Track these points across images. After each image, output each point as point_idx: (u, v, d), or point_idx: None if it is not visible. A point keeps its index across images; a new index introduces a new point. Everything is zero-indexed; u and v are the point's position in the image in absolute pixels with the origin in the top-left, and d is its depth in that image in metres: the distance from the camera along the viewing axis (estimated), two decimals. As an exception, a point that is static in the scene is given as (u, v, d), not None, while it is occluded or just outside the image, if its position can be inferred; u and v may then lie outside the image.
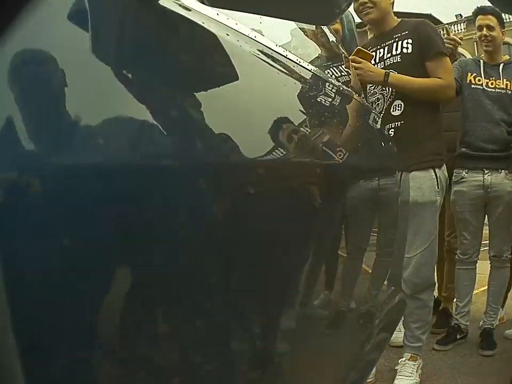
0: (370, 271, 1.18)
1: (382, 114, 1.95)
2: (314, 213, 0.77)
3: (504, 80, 2.44)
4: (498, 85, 2.44)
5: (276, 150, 0.66)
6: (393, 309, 1.43)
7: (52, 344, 0.36)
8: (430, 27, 2.09)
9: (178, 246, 0.47)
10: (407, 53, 2.00)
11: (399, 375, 2.06)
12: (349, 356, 1.06)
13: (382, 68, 2.03)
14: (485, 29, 2.43)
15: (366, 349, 1.18)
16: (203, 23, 0.59)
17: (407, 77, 1.96)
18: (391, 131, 1.96)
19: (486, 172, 2.41)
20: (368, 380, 1.99)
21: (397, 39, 2.04)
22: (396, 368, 2.09)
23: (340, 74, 1.83)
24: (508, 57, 2.56)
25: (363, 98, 1.86)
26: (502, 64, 2.48)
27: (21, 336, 0.31)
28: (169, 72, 0.51)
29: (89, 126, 0.39)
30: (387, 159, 1.46)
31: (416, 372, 2.07)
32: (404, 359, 2.07)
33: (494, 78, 2.44)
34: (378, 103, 2.04)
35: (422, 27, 2.06)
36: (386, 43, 2.07)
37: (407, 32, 2.03)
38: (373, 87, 2.07)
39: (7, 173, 0.32)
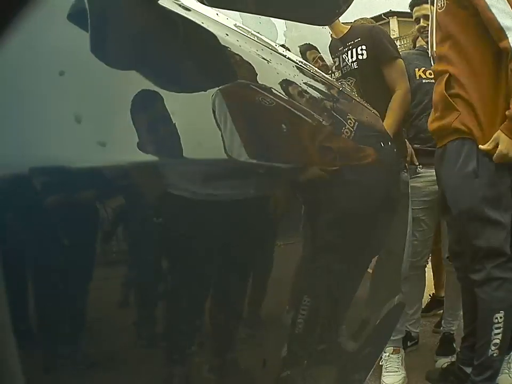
0: (370, 272, 1.18)
1: None
2: (316, 213, 0.77)
3: None
4: None
5: (276, 150, 0.66)
6: (392, 310, 1.43)
7: (52, 344, 0.36)
8: (382, 32, 2.20)
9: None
10: (362, 59, 2.09)
11: (386, 372, 2.06)
12: (348, 357, 1.06)
13: (340, 76, 2.12)
14: (421, 19, 2.33)
15: (365, 349, 1.18)
16: (203, 23, 0.59)
17: (389, 121, 2.00)
18: None
19: None
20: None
21: (350, 47, 2.12)
22: (380, 363, 2.06)
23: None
24: None
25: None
26: None
27: (21, 335, 0.31)
28: (169, 72, 0.51)
29: (90, 126, 0.39)
30: (390, 158, 1.46)
31: (402, 365, 2.09)
32: (387, 353, 2.07)
33: None
34: None
35: (374, 32, 2.16)
36: (343, 51, 2.14)
37: (359, 39, 2.11)
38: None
39: (7, 174, 0.32)
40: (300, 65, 0.90)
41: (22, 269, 0.33)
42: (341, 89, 1.19)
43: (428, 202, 2.21)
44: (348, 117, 1.11)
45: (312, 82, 0.95)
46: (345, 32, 2.15)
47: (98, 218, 0.39)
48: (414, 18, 2.43)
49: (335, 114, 1.00)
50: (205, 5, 0.59)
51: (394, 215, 1.35)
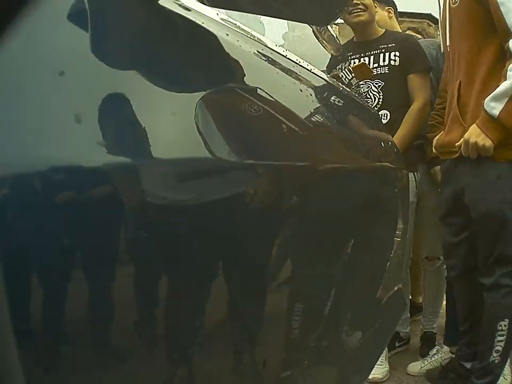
0: (370, 272, 1.18)
1: None
2: (315, 214, 0.77)
3: None
4: None
5: (276, 150, 0.66)
6: (393, 308, 1.43)
7: (52, 344, 0.36)
8: (417, 42, 2.20)
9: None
10: (394, 65, 2.08)
11: None
12: (348, 356, 1.06)
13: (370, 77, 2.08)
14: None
15: (366, 348, 1.18)
16: (203, 23, 0.59)
17: (400, 133, 2.01)
18: None
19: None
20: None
21: (383, 50, 2.10)
22: None
23: (352, 76, 1.88)
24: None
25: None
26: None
27: (21, 335, 0.31)
28: (169, 72, 0.51)
29: (90, 126, 0.39)
30: (390, 158, 1.46)
31: (386, 359, 2.10)
32: None
33: None
34: None
35: (410, 41, 2.16)
36: (372, 52, 2.12)
37: (394, 44, 2.10)
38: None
39: (8, 174, 0.32)
40: (300, 65, 0.90)
41: (22, 269, 0.33)
42: (341, 88, 1.19)
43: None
44: (347, 116, 1.11)
45: (312, 82, 0.95)
46: (380, 34, 2.14)
47: (99, 219, 0.39)
48: None
49: (333, 113, 1.00)
50: (205, 5, 0.59)
51: (395, 214, 1.35)
